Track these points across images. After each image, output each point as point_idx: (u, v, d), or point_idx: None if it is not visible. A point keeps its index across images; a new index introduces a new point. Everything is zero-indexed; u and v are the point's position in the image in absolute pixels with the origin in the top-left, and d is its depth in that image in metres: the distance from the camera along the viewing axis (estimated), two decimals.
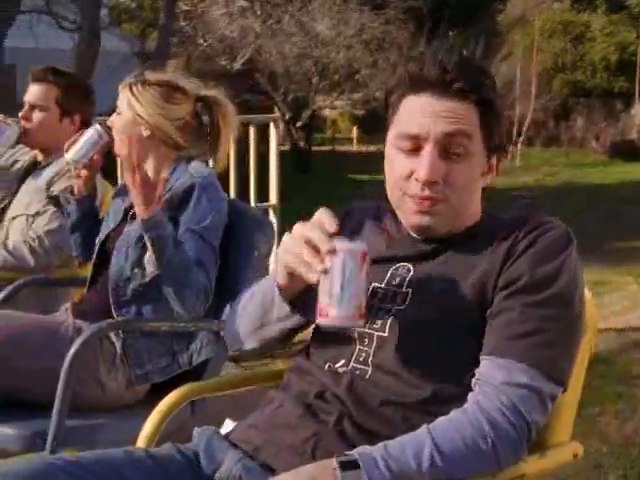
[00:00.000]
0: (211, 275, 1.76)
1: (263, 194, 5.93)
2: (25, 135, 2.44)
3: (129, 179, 1.74)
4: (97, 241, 1.98)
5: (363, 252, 1.12)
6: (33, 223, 2.30)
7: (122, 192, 2.05)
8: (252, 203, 5.95)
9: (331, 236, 1.11)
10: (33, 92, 2.43)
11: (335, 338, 1.22)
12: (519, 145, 15.45)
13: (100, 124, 2.14)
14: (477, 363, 1.18)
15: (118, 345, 1.77)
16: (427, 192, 1.21)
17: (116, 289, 1.85)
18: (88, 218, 2.05)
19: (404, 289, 1.25)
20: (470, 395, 1.15)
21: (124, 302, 1.84)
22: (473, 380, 1.17)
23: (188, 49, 11.75)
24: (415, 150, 1.22)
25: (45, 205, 2.32)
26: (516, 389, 1.12)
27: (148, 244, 1.73)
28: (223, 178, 5.90)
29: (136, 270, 1.80)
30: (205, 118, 1.97)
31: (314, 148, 16.18)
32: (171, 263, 1.73)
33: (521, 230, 1.22)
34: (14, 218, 2.34)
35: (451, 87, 1.20)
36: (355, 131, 19.57)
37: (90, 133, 2.07)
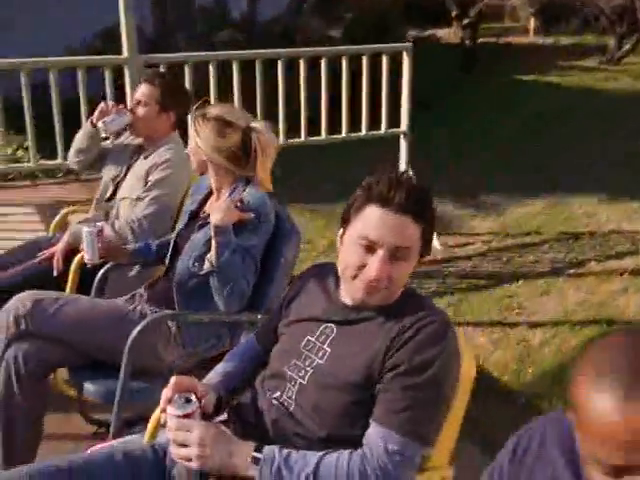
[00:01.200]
0: (250, 284, 2.20)
1: (395, 120, 6.19)
2: (132, 125, 2.96)
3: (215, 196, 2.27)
4: (173, 236, 2.48)
5: (185, 414, 1.49)
6: (135, 207, 2.83)
7: (195, 192, 2.52)
8: (383, 129, 6.25)
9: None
10: (141, 90, 2.92)
11: (278, 373, 1.65)
12: None
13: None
14: (363, 419, 1.53)
15: (173, 329, 2.29)
16: (374, 284, 1.59)
17: (179, 284, 2.33)
18: (156, 252, 2.59)
19: (326, 346, 1.62)
20: (360, 449, 1.49)
21: (184, 294, 2.33)
22: (363, 439, 1.51)
23: None
24: (370, 248, 1.59)
25: (144, 192, 2.83)
26: (391, 456, 1.46)
27: (213, 245, 2.18)
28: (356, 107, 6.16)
29: (196, 264, 2.27)
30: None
31: (486, 40, 15.72)
32: (224, 266, 2.18)
33: (410, 318, 1.56)
34: (122, 199, 2.91)
35: (409, 210, 1.57)
36: (532, 21, 18.69)
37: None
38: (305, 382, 1.60)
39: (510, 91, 10.71)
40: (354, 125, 6.08)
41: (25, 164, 5.37)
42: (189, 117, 2.79)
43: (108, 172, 3.08)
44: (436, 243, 6.24)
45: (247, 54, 5.87)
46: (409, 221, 1.58)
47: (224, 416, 1.66)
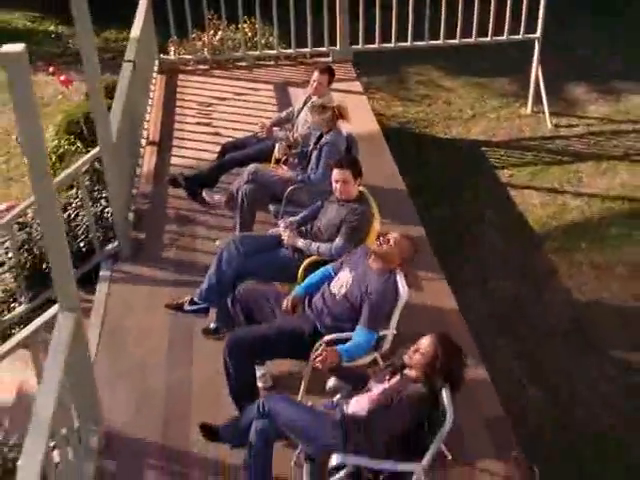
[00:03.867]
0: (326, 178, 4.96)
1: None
2: (316, 88, 5.80)
3: None
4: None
5: (285, 226, 4.59)
6: (303, 126, 5.69)
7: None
8: (521, 35, 8.42)
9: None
10: (318, 75, 5.64)
11: (318, 220, 4.71)
12: None
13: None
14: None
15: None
16: (337, 192, 4.45)
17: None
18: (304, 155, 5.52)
19: (335, 212, 4.52)
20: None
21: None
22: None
23: None
24: (337, 181, 4.45)
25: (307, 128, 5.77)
26: (340, 246, 4.33)
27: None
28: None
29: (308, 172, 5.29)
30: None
31: None
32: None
33: (353, 206, 4.37)
34: (300, 120, 5.86)
35: (342, 167, 4.40)
36: None
37: None
38: (325, 221, 4.56)
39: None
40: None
41: (271, 51, 8.46)
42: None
43: (297, 105, 6.06)
44: (548, 123, 8.57)
45: None
46: (343, 170, 4.35)
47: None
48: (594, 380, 5.15)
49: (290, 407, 3.43)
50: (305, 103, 5.89)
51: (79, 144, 7.54)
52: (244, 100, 7.69)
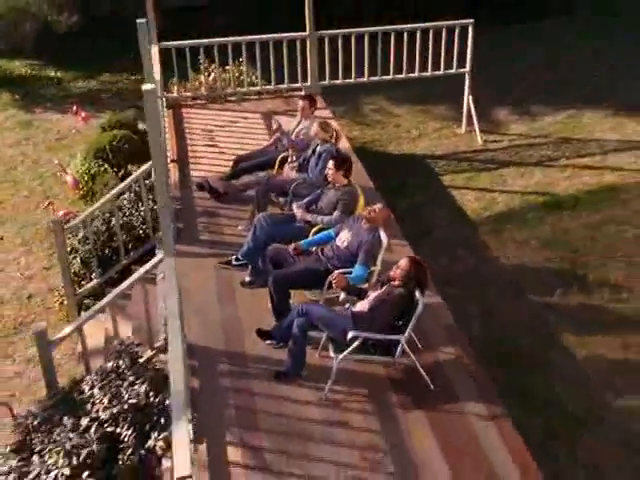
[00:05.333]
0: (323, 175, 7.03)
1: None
2: (302, 112, 7.85)
3: None
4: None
5: (297, 207, 6.64)
6: (300, 133, 7.79)
7: None
8: (454, 69, 10.57)
9: None
10: (302, 104, 7.76)
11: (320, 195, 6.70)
12: None
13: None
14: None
15: None
16: (330, 178, 6.48)
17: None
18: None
19: (332, 192, 6.49)
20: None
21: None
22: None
23: None
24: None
25: (303, 132, 7.76)
26: (337, 216, 6.31)
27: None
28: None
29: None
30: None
31: None
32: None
33: (344, 188, 6.31)
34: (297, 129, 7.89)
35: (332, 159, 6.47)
36: None
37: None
38: (326, 201, 6.48)
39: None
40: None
41: (255, 87, 10.45)
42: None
43: (291, 125, 8.05)
44: (479, 139, 10.72)
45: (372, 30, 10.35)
46: (332, 162, 6.33)
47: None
48: (517, 314, 7.19)
49: (319, 307, 5.37)
50: (298, 124, 7.92)
51: (106, 166, 9.39)
52: (237, 126, 9.64)
